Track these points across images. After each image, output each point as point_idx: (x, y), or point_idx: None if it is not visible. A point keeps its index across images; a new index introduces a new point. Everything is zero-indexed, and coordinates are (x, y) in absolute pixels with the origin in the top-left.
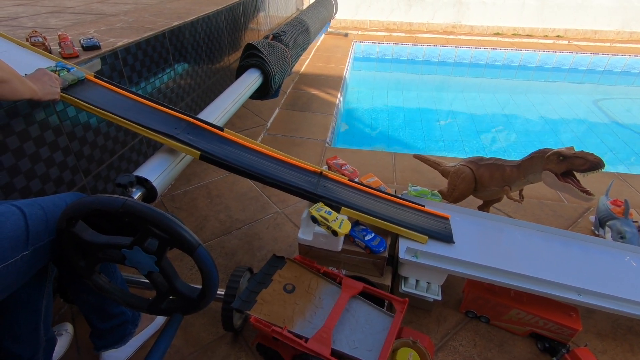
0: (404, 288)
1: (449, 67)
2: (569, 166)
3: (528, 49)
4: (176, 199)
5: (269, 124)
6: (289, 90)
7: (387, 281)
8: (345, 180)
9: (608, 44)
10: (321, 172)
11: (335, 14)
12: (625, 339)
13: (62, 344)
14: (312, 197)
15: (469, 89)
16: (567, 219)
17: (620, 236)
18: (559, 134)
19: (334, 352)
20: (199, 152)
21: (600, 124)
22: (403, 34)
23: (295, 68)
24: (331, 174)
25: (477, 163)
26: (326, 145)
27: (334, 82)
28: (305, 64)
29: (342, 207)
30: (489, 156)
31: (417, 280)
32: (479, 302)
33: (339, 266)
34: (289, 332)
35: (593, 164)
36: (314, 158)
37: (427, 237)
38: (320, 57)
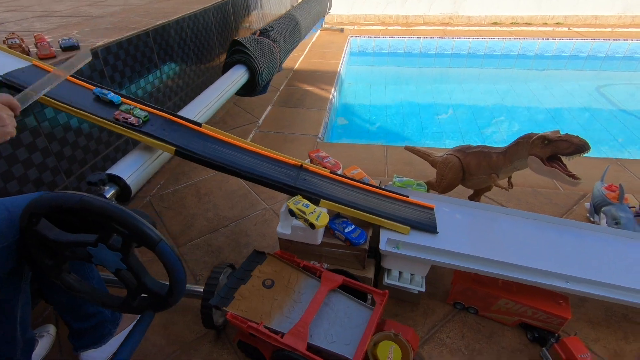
0: (387, 280)
1: (447, 58)
2: (554, 150)
3: (527, 37)
4: (165, 198)
5: (260, 121)
6: (282, 87)
7: (370, 274)
8: (326, 172)
9: (609, 29)
10: (301, 165)
11: (329, 9)
12: (619, 326)
13: (44, 345)
14: (291, 190)
15: (468, 80)
16: (561, 207)
17: (615, 222)
18: (562, 122)
19: (311, 347)
20: (174, 148)
21: (603, 110)
22: (399, 27)
23: (289, 65)
24: (312, 167)
25: (464, 152)
26: (318, 140)
27: (328, 78)
28: (299, 60)
29: (321, 200)
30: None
31: (400, 272)
32: (466, 293)
33: (320, 260)
34: (266, 327)
35: (578, 146)
36: (305, 154)
37: (409, 228)
38: (315, 53)
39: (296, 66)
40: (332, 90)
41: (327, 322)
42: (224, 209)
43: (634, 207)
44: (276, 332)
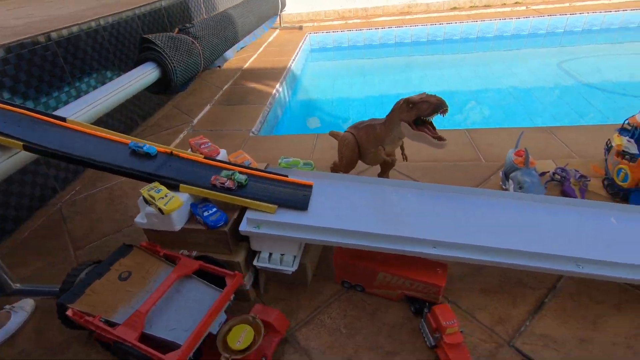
0: (256, 262)
1: (407, 47)
2: (417, 113)
3: (484, 19)
4: (77, 203)
5: (195, 121)
6: (226, 86)
7: (238, 258)
8: (197, 158)
9: (567, 4)
10: (171, 152)
11: (282, 8)
12: (510, 292)
13: None
14: (149, 178)
15: (431, 67)
16: (478, 178)
17: (519, 186)
18: (529, 101)
19: (146, 336)
20: (22, 143)
21: (567, 86)
22: (359, 20)
23: (239, 64)
24: (183, 154)
25: (357, 127)
26: (251, 134)
27: (276, 74)
28: (250, 60)
29: (181, 185)
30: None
31: (271, 253)
32: (348, 269)
33: (189, 248)
34: (105, 321)
35: (435, 106)
36: (233, 148)
37: (275, 206)
38: (270, 51)
39: (246, 65)
40: (277, 86)
41: (174, 310)
42: (133, 209)
43: (548, 171)
44: (114, 325)
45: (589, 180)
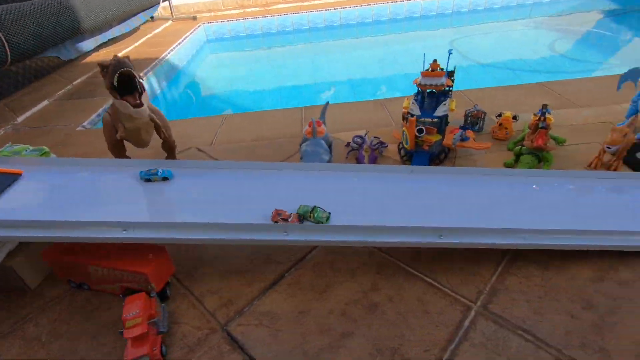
0: None
1: (305, 33)
2: (110, 79)
3: (377, 3)
4: None
5: (20, 119)
6: (79, 80)
7: None
8: None
9: None
10: None
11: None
12: (255, 270)
13: None
14: None
15: (334, 52)
16: (286, 153)
17: (301, 157)
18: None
19: None
20: None
21: (459, 64)
22: (258, 9)
23: (108, 56)
24: None
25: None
26: (80, 129)
27: (143, 65)
28: (124, 51)
29: None
30: None
31: None
32: (62, 267)
33: None
34: None
35: (114, 67)
36: (53, 144)
37: None
38: (151, 42)
39: None
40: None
41: None
42: None
43: (350, 142)
44: None
45: (386, 146)
